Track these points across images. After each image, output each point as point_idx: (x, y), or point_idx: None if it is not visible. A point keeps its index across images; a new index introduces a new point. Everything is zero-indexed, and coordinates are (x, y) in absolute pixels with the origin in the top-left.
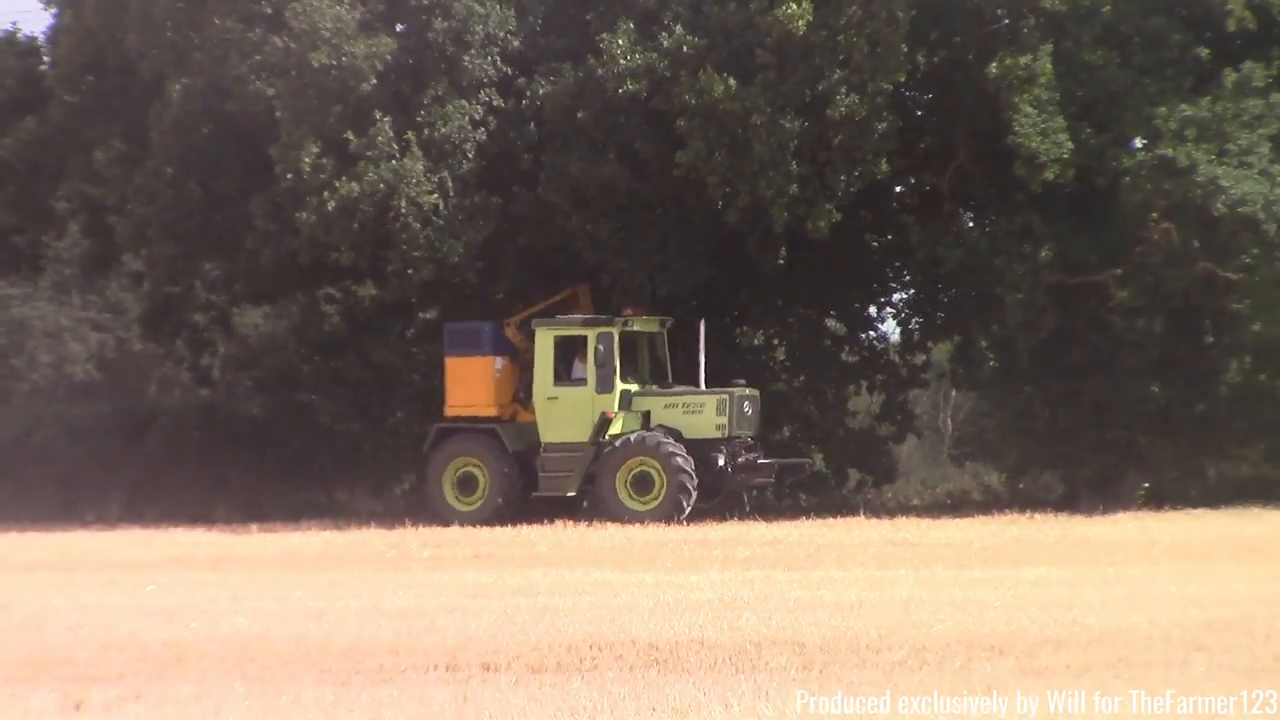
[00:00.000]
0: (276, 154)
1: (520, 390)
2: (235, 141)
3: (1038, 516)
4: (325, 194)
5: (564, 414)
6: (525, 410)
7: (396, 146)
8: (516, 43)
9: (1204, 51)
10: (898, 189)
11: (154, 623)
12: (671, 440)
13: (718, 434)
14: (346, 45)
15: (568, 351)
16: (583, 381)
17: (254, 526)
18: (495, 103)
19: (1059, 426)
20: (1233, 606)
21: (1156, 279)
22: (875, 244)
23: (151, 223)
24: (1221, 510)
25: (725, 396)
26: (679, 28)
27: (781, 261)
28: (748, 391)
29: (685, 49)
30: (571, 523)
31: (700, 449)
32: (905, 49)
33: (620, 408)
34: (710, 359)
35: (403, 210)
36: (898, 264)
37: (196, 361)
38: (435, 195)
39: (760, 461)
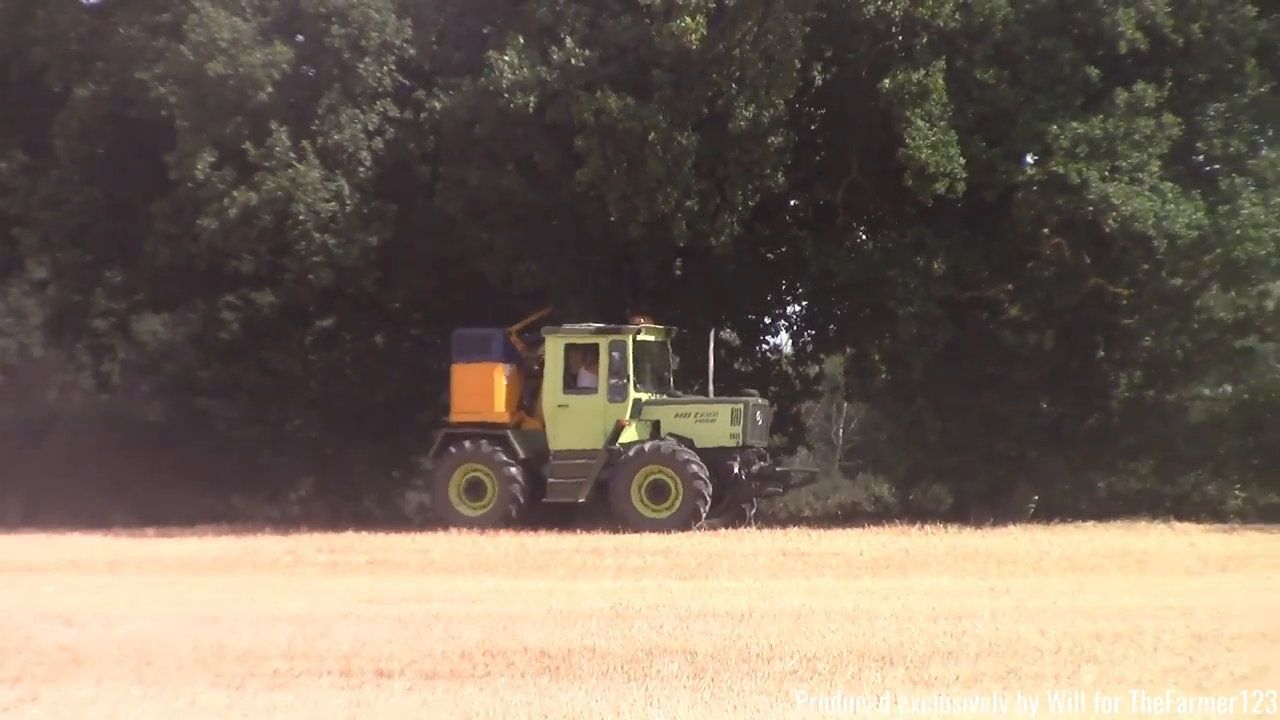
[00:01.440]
0: (173, 163)
1: (525, 397)
2: (138, 148)
3: (928, 528)
4: (225, 201)
5: (574, 421)
6: (529, 417)
7: (294, 155)
8: (413, 52)
9: (1095, 71)
10: (792, 203)
11: (51, 626)
12: (687, 449)
13: (731, 443)
14: (243, 55)
15: (574, 360)
16: (591, 389)
17: (151, 531)
18: (391, 113)
19: (950, 439)
20: (1121, 618)
21: (1048, 294)
22: (770, 257)
23: (56, 231)
24: (1110, 523)
25: (739, 406)
26: (569, 41)
27: (678, 273)
28: (760, 401)
29: (574, 61)
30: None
31: (713, 458)
32: (799, 65)
33: (630, 416)
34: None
35: (301, 217)
36: (791, 277)
37: (97, 367)
38: (333, 203)
39: (779, 470)
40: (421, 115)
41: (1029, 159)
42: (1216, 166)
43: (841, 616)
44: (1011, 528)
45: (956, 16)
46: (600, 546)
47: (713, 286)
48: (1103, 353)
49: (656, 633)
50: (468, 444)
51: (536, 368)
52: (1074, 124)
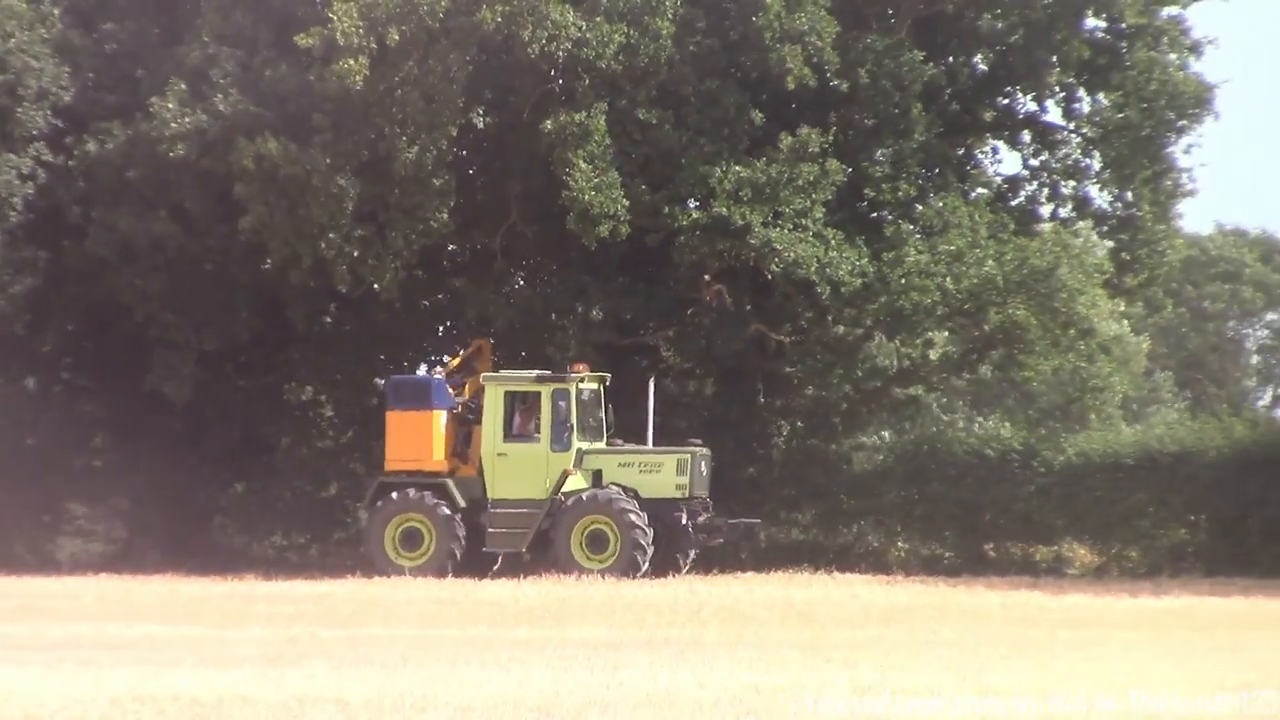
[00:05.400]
0: None
1: (457, 444)
2: None
3: (585, 578)
4: None
5: (515, 470)
6: (464, 464)
7: None
8: (68, 98)
9: (759, 114)
10: (450, 248)
11: None
12: (626, 498)
13: (678, 494)
14: None
15: (513, 407)
16: (532, 438)
17: None
18: (45, 157)
19: None
20: (781, 671)
21: (709, 341)
22: (426, 304)
23: None
24: (771, 574)
25: (685, 456)
26: (234, 92)
27: (329, 320)
28: (704, 451)
29: (226, 108)
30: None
31: (658, 508)
32: (461, 103)
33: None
34: (255, 415)
35: None
36: (449, 324)
37: None
38: None
39: (730, 522)
40: (71, 160)
41: (693, 203)
42: (884, 213)
43: (496, 666)
44: (670, 578)
45: (620, 58)
46: (253, 593)
47: (368, 334)
48: (763, 400)
49: (308, 681)
50: (405, 493)
51: (470, 415)
52: (737, 168)
